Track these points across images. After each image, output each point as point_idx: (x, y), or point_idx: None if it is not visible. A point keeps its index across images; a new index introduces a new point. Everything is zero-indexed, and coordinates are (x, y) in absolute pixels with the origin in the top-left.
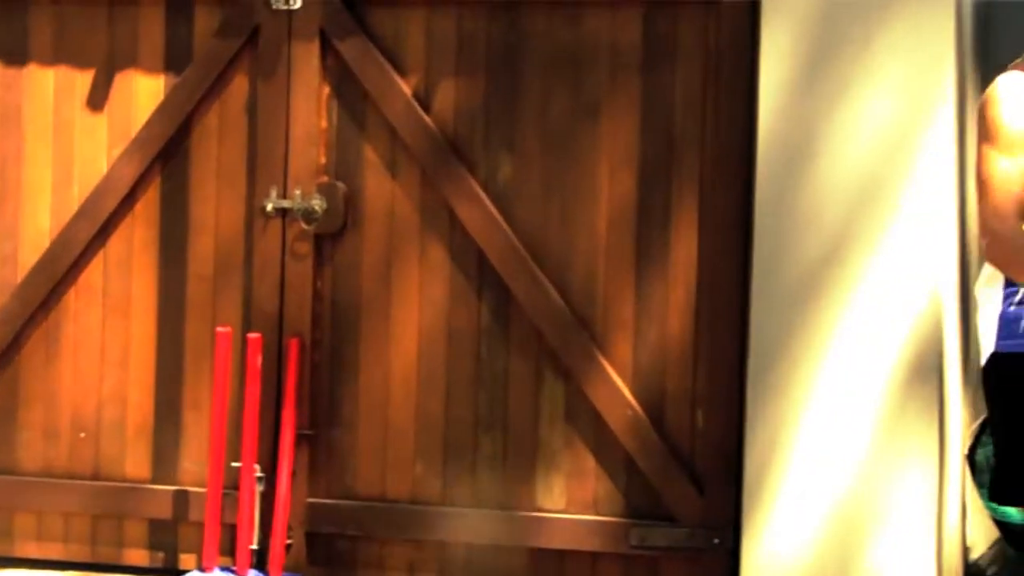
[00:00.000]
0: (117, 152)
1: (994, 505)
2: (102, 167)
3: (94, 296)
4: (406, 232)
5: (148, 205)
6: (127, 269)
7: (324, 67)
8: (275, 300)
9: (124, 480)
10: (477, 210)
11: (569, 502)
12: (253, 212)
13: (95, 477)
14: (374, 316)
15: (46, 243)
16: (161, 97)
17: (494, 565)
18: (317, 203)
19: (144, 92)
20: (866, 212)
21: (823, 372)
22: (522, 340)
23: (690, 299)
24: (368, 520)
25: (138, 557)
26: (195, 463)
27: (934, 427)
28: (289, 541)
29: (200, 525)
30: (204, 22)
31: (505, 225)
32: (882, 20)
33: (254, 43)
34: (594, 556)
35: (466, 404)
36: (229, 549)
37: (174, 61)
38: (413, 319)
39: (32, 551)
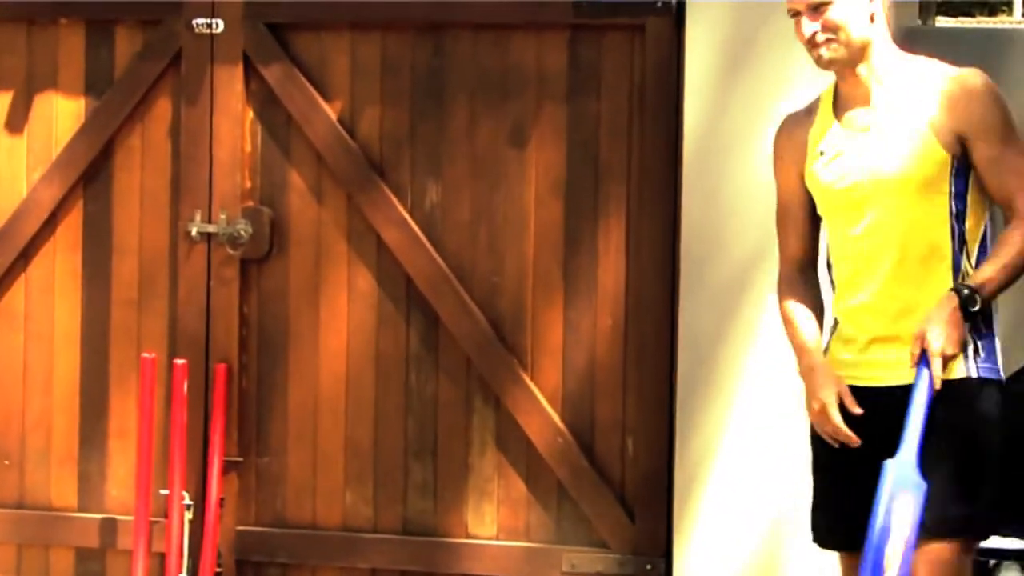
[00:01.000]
0: (37, 175)
1: None
2: (22, 190)
3: (16, 321)
4: (333, 257)
5: (70, 229)
6: (49, 294)
7: (248, 91)
8: (201, 325)
9: (50, 508)
10: (404, 235)
11: (500, 529)
12: (177, 236)
13: (20, 505)
14: (301, 342)
15: None
16: (82, 119)
17: None
18: (242, 228)
19: (65, 114)
20: None
21: (749, 397)
22: (451, 366)
23: (618, 325)
24: (298, 547)
25: None
26: (122, 490)
27: None
28: (219, 569)
29: (128, 553)
30: (126, 44)
31: (432, 250)
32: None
33: (177, 66)
34: None
35: (395, 430)
36: None
37: (95, 83)
38: (341, 345)
39: None
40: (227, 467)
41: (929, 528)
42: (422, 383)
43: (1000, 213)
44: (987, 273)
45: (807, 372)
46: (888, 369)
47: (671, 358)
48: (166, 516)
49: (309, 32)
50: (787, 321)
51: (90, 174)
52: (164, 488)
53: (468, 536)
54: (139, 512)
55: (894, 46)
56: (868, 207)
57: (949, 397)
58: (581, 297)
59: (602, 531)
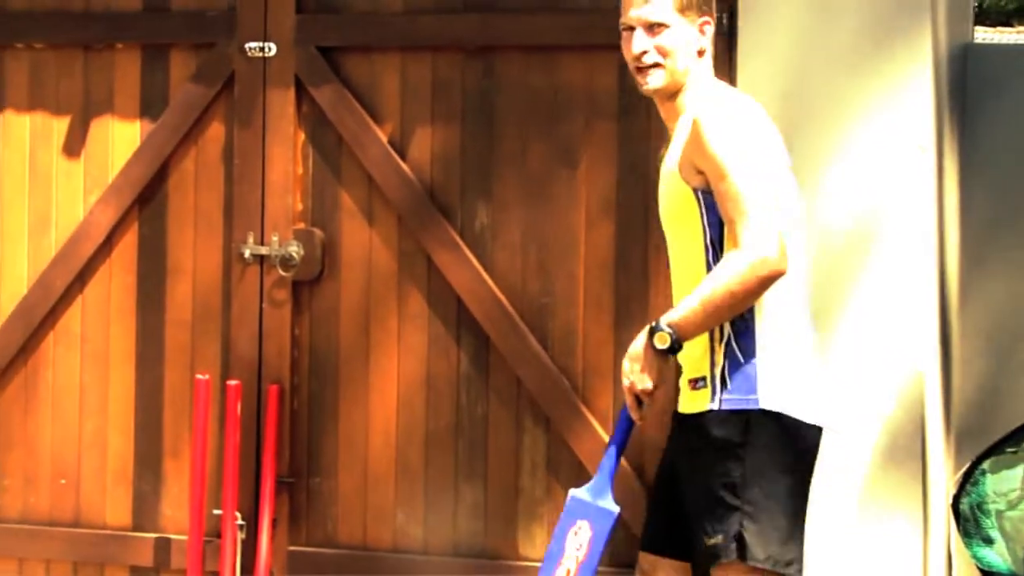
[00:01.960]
0: (94, 198)
1: (980, 554)
2: (79, 213)
3: (72, 342)
4: (384, 279)
5: (126, 251)
6: (105, 315)
7: (299, 113)
8: (254, 347)
9: (105, 527)
10: (455, 257)
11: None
12: (231, 258)
13: (76, 524)
14: (353, 363)
15: (24, 289)
16: (138, 143)
17: None
18: (294, 249)
19: (121, 138)
20: (848, 262)
21: None
22: (502, 388)
23: None
24: (349, 568)
25: None
26: (176, 510)
27: (918, 481)
28: None
29: (181, 572)
30: (180, 68)
31: (483, 271)
32: (861, 60)
33: (230, 89)
34: None
35: (446, 451)
36: None
37: (150, 107)
38: (392, 366)
39: None
40: (279, 487)
41: (694, 558)
42: (472, 404)
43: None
44: (682, 310)
45: None
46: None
47: None
48: (219, 536)
49: (360, 55)
50: None
51: (145, 197)
52: (217, 508)
53: (518, 558)
54: (193, 532)
55: (715, 82)
56: (665, 233)
57: (691, 430)
58: (632, 318)
59: None
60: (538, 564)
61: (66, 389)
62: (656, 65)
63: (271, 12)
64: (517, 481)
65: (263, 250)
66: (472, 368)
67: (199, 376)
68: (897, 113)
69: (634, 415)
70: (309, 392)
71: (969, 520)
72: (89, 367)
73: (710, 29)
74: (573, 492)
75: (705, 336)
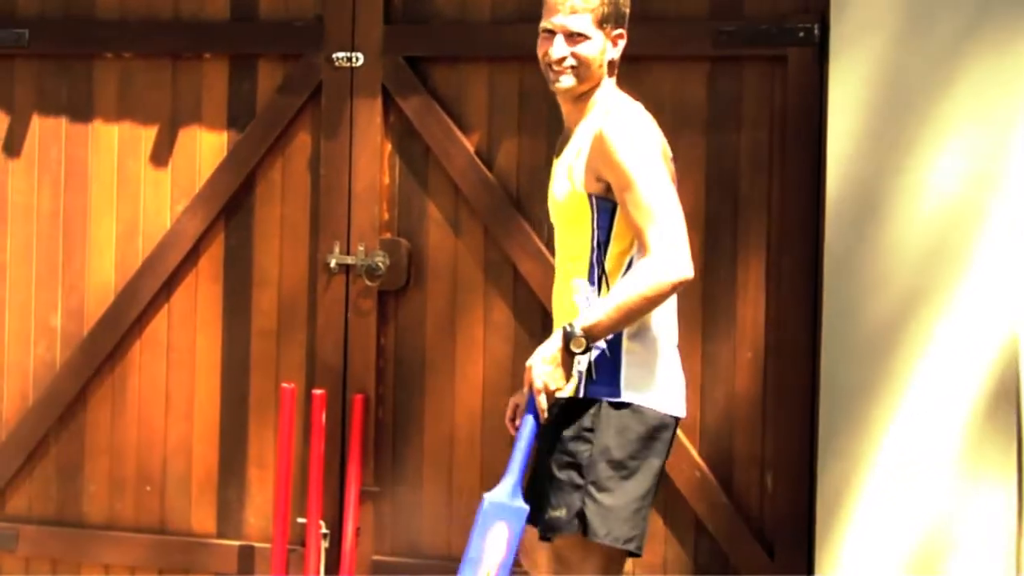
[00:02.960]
0: (181, 207)
1: None
2: (166, 222)
3: (159, 350)
4: (469, 288)
5: (212, 260)
6: (191, 323)
7: (386, 123)
8: (339, 356)
9: (190, 534)
10: (540, 267)
11: (636, 563)
12: (317, 268)
13: (161, 531)
14: (438, 373)
15: (111, 297)
16: (225, 152)
17: None
18: (380, 259)
19: (208, 147)
20: (939, 270)
21: (895, 434)
22: None
23: (758, 360)
24: None
25: None
26: (260, 518)
27: (1012, 485)
28: None
29: None
30: (267, 78)
31: None
32: (955, 71)
33: (317, 99)
34: None
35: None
36: None
37: (238, 117)
38: (477, 376)
39: None
40: (363, 496)
41: (540, 527)
42: None
43: None
44: (596, 315)
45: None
46: None
47: (812, 393)
48: (303, 544)
49: (447, 65)
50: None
51: (232, 206)
52: (301, 517)
53: None
54: (277, 540)
55: (617, 92)
56: (554, 226)
57: (558, 413)
58: (720, 330)
59: (739, 567)
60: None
61: (152, 396)
62: (572, 68)
63: (359, 22)
64: None
65: (349, 260)
66: None
67: (284, 385)
68: (994, 117)
69: (543, 415)
70: (394, 401)
71: None
72: (175, 375)
73: (622, 43)
74: (488, 496)
75: None
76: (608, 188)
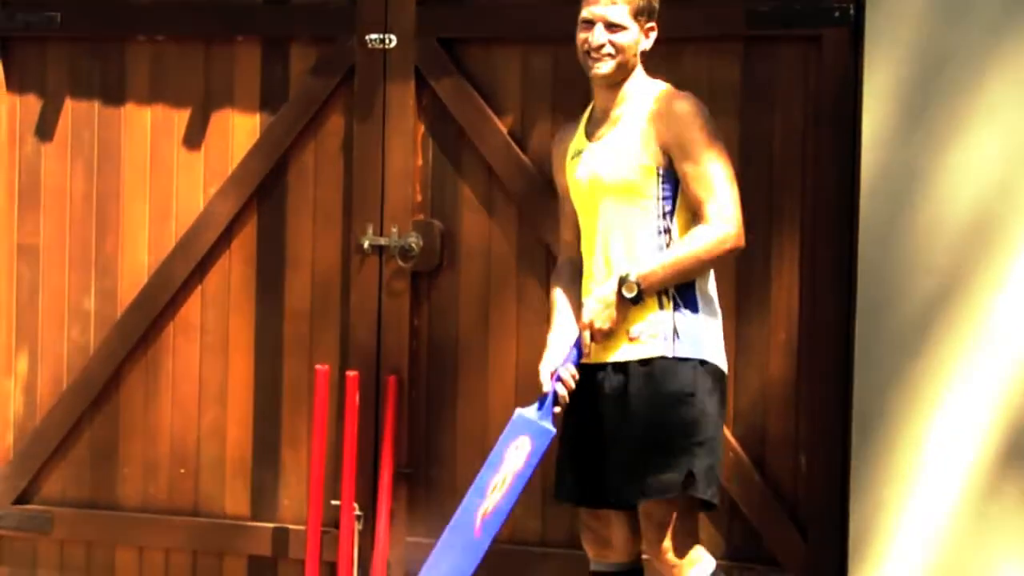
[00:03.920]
0: (214, 189)
1: None
2: (199, 204)
3: (192, 332)
4: (503, 270)
5: (245, 242)
6: (224, 305)
7: (419, 105)
8: (372, 337)
9: (224, 517)
10: None
11: None
12: (350, 249)
13: (195, 513)
14: (471, 354)
15: (144, 279)
16: (257, 135)
17: None
18: (414, 240)
19: (241, 130)
20: (976, 255)
21: (932, 417)
22: None
23: (792, 343)
24: None
25: None
26: (294, 500)
27: None
28: None
29: (299, 563)
30: (300, 61)
31: None
32: (994, 52)
33: (350, 82)
34: None
35: None
36: None
37: (270, 100)
38: (510, 357)
39: None
40: (397, 478)
41: (640, 492)
42: None
43: None
44: (651, 265)
45: (547, 345)
46: (602, 348)
47: (847, 375)
48: (337, 526)
49: (480, 46)
50: (552, 303)
51: (265, 188)
52: (335, 499)
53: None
54: (311, 522)
55: (646, 76)
56: (598, 203)
57: (646, 375)
58: (753, 313)
59: (773, 548)
60: None
61: (185, 379)
62: (609, 55)
63: (391, 4)
64: None
65: (382, 241)
66: None
67: (318, 367)
68: None
69: (587, 349)
70: (427, 383)
71: None
72: (208, 357)
73: (653, 35)
74: (520, 411)
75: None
76: (670, 161)
